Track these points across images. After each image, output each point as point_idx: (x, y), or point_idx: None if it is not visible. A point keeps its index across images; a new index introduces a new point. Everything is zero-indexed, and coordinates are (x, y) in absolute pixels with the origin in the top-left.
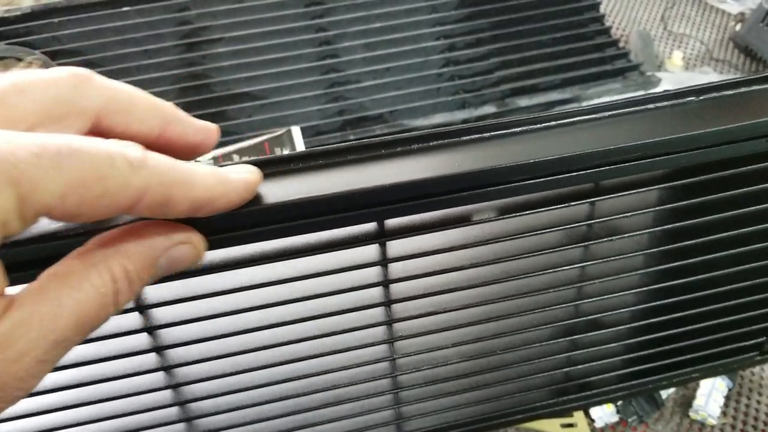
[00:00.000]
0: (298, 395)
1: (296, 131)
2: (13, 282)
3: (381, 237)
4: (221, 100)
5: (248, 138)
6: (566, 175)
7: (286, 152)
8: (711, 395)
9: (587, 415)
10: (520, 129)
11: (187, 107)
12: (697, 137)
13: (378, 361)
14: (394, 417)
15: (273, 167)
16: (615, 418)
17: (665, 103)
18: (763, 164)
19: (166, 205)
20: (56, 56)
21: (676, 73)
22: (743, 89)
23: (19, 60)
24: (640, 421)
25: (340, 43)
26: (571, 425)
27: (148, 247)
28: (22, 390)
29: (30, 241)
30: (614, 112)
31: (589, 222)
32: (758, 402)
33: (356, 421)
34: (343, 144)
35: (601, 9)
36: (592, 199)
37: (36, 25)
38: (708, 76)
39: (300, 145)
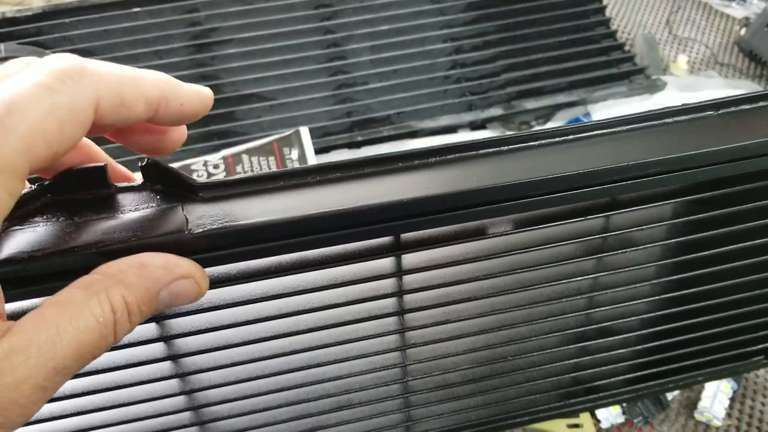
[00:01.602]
0: (310, 399)
1: (305, 132)
2: (18, 297)
3: (397, 250)
4: (230, 101)
5: (257, 138)
6: (584, 190)
7: (294, 152)
8: (716, 397)
9: (593, 415)
10: (537, 143)
11: None
12: (715, 153)
13: (390, 367)
14: (404, 419)
15: (291, 180)
16: (621, 419)
17: (683, 117)
18: None
19: (124, 106)
20: None
21: (681, 77)
22: (761, 104)
23: None
24: (645, 422)
25: (348, 45)
26: (577, 425)
27: (149, 280)
28: (23, 416)
29: (35, 258)
30: (632, 126)
31: (603, 235)
32: (763, 404)
33: (367, 424)
34: (360, 158)
35: (607, 13)
36: (608, 213)
37: (47, 25)
38: (713, 80)
39: (308, 146)
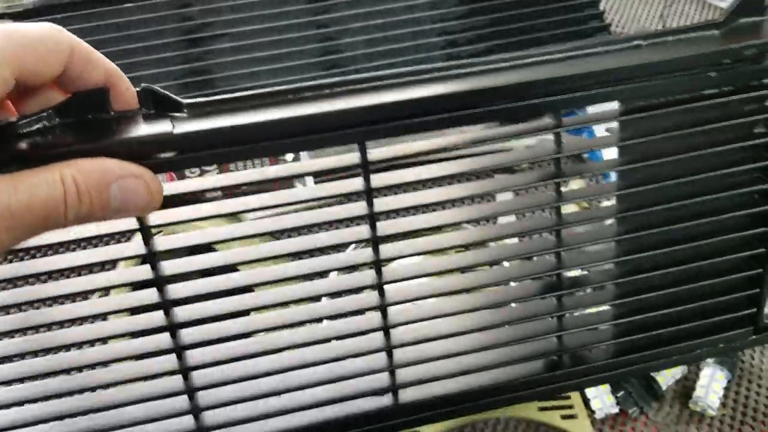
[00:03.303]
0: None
1: None
2: None
3: (365, 165)
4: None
5: None
6: (529, 102)
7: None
8: (710, 386)
9: (587, 406)
10: (485, 67)
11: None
12: (647, 66)
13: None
14: (389, 382)
15: (268, 98)
16: (615, 410)
17: (615, 46)
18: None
19: (90, 63)
20: None
21: None
22: (688, 35)
23: None
24: (640, 412)
25: (342, 39)
26: (571, 416)
27: (100, 168)
28: None
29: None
30: (568, 53)
31: (557, 155)
32: (757, 393)
33: (352, 384)
34: (325, 81)
35: (601, 6)
36: (557, 129)
37: (38, 21)
38: None
39: None
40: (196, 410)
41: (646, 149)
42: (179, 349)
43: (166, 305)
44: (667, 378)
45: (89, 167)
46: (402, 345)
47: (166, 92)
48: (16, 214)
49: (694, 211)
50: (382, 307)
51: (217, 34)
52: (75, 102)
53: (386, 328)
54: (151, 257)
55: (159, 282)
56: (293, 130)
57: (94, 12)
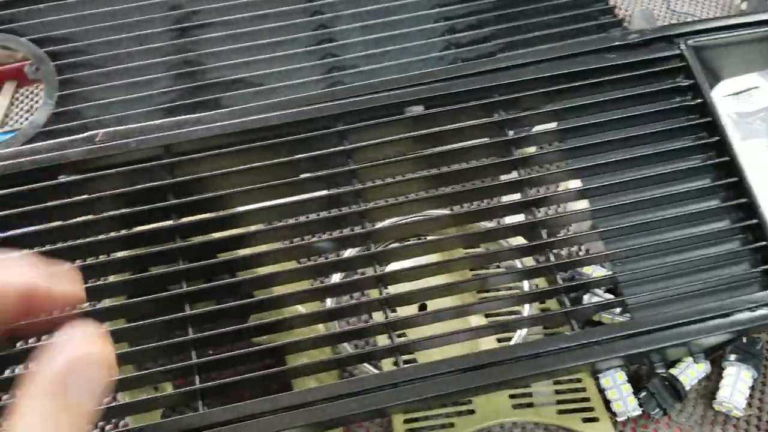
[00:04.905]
0: None
1: None
2: None
3: None
4: (216, 87)
5: None
6: None
7: None
8: (736, 386)
9: (608, 409)
10: None
11: (181, 95)
12: None
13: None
14: None
15: None
16: (638, 412)
17: None
18: None
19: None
20: (44, 43)
21: None
22: None
23: (6, 49)
24: (663, 413)
25: (337, 26)
26: (592, 419)
27: None
28: None
29: None
30: None
31: None
32: None
33: None
34: None
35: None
36: None
37: (22, 11)
38: None
39: None
40: None
41: None
42: None
43: None
44: (690, 378)
45: None
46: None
47: None
48: None
49: None
50: None
51: (208, 22)
52: None
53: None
54: None
55: None
56: None
57: (80, 1)
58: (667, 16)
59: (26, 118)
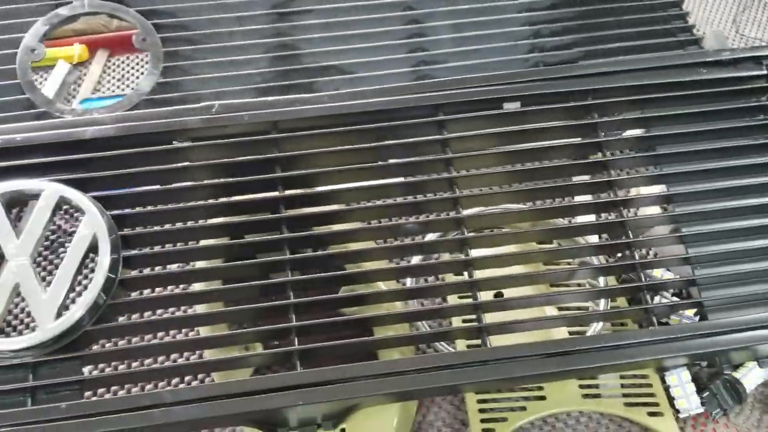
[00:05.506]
0: None
1: None
2: None
3: None
4: (309, 72)
5: None
6: None
7: None
8: None
9: (672, 405)
10: None
11: (275, 76)
12: None
13: None
14: None
15: None
16: (700, 410)
17: None
18: None
19: None
20: (150, 15)
21: None
22: None
23: (111, 17)
24: (723, 413)
25: (428, 22)
26: (657, 414)
27: None
28: None
29: None
30: None
31: None
32: None
33: None
34: None
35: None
36: None
37: None
38: None
39: None
40: None
41: None
42: None
43: None
44: (751, 382)
45: None
46: None
47: None
48: None
49: None
50: None
51: (306, 9)
52: None
53: None
54: None
55: None
56: None
57: None
58: (736, 39)
59: (118, 86)
